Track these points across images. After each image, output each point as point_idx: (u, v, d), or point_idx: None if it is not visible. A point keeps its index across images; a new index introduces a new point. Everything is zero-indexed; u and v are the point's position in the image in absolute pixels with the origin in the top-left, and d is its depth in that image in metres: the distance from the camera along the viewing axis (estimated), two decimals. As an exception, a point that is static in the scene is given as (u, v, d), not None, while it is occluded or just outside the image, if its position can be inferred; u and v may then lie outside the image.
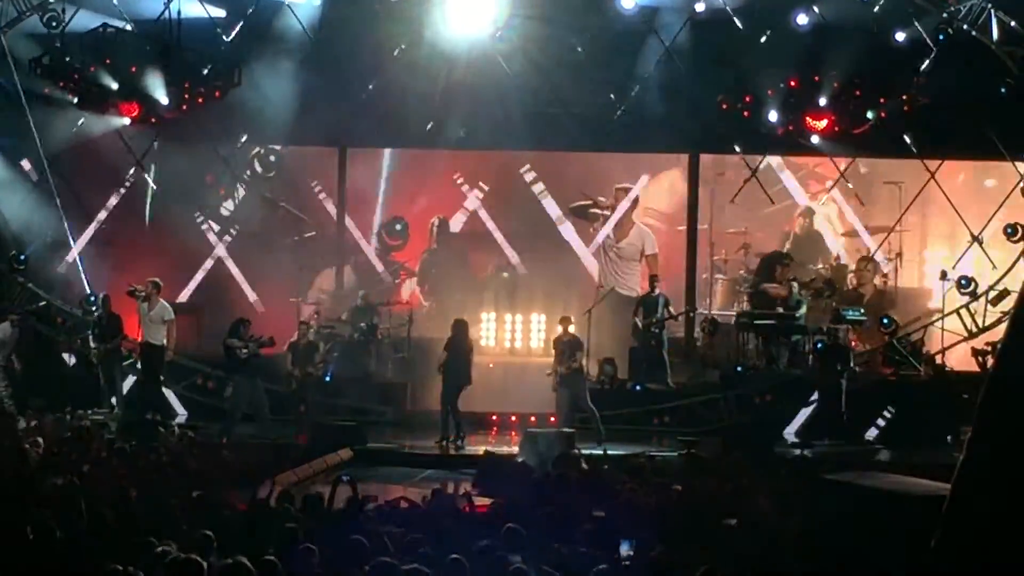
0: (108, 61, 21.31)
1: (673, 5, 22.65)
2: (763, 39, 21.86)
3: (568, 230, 25.71)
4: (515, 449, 18.78)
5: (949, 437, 19.86)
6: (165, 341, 20.68)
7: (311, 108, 22.46)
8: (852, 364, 20.92)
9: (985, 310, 22.04)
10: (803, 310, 22.42)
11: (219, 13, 22.66)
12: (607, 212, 25.68)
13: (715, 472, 15.01)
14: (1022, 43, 21.19)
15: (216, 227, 24.95)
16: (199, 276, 24.61)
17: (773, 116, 21.73)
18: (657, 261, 25.10)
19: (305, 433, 19.57)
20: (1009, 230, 22.41)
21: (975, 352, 21.49)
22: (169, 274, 22.43)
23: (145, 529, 10.22)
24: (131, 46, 21.53)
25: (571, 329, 20.64)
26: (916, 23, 21.49)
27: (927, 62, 21.38)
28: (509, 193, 25.70)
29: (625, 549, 10.23)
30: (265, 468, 15.61)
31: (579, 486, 13.75)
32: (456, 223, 26.14)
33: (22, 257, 22.27)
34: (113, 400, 20.96)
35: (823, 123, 21.66)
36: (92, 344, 21.17)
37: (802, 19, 21.77)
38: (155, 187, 23.68)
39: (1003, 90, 21.28)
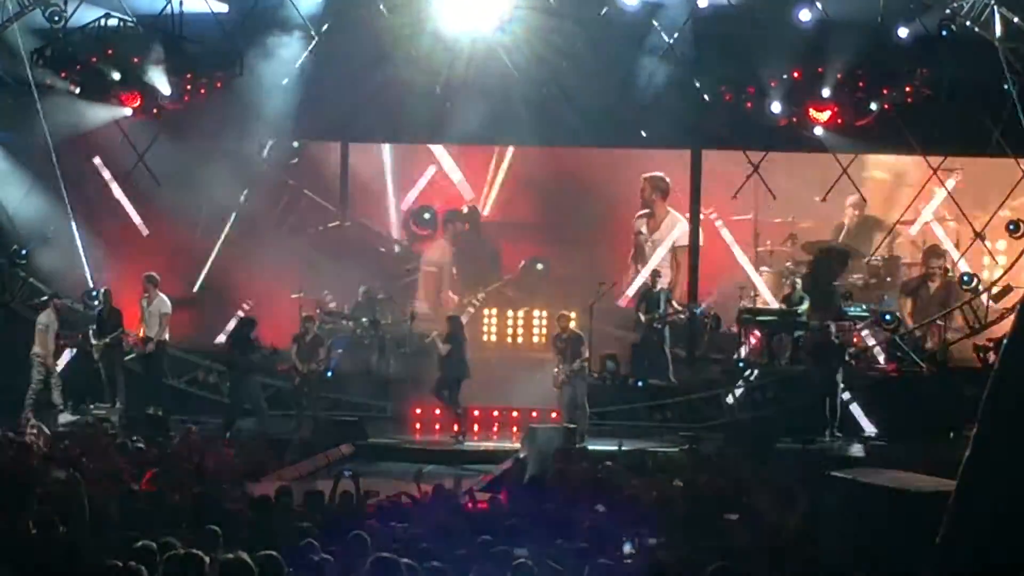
0: (110, 52, 21.27)
1: (676, 0, 22.63)
2: (766, 34, 21.78)
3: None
4: (517, 444, 18.78)
5: (952, 433, 19.84)
6: (166, 335, 20.76)
7: (313, 102, 22.43)
8: (848, 360, 20.90)
9: (987, 306, 22.02)
10: (805, 306, 22.39)
11: (221, 8, 22.63)
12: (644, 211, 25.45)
13: (717, 468, 15.00)
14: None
15: (219, 220, 24.90)
16: (203, 269, 24.55)
17: (776, 107, 21.65)
18: (685, 253, 24.51)
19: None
20: (1011, 226, 22.38)
21: (977, 348, 21.47)
22: (170, 269, 22.42)
23: (146, 524, 10.23)
24: (133, 37, 21.49)
25: (572, 326, 20.64)
26: (919, 19, 21.44)
27: (930, 57, 21.31)
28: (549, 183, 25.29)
29: (628, 548, 10.22)
30: (266, 464, 15.61)
31: (581, 482, 13.74)
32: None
33: (23, 252, 22.27)
34: (116, 395, 21.00)
35: (826, 114, 21.53)
36: (93, 339, 21.15)
37: (804, 15, 21.71)
38: (158, 182, 23.65)
39: (1006, 87, 21.21)
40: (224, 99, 22.06)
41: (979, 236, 22.87)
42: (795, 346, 22.39)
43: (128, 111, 22.00)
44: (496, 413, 21.80)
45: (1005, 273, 22.31)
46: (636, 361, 22.49)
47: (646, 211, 25.56)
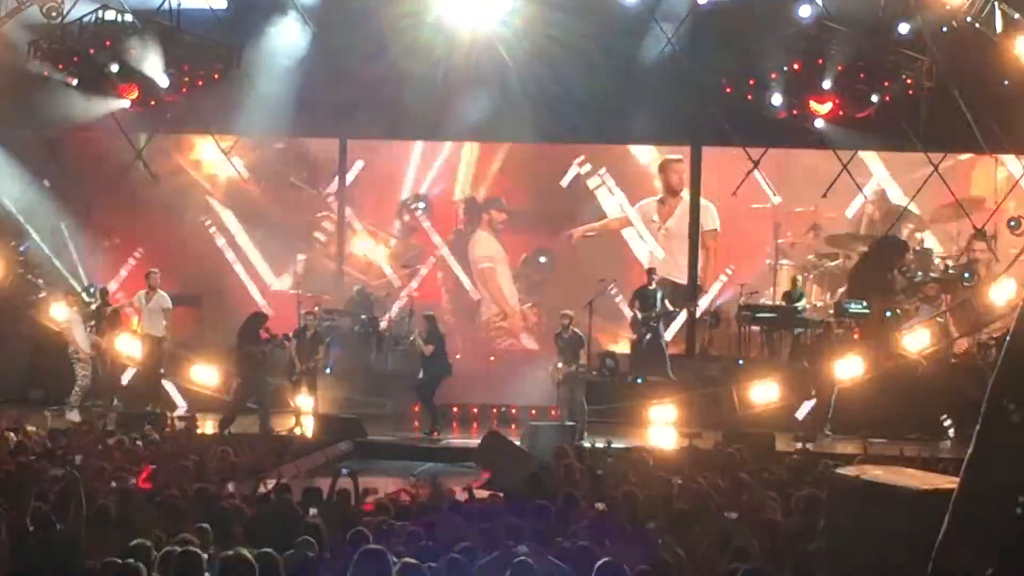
0: (107, 43, 21.23)
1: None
2: (766, 28, 21.73)
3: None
4: (516, 442, 18.76)
5: (952, 431, 19.81)
6: (165, 332, 20.77)
7: (311, 97, 22.41)
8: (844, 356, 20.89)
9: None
10: (804, 302, 22.37)
11: (220, 4, 22.62)
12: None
13: (716, 465, 14.97)
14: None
15: (218, 216, 24.89)
16: (199, 266, 24.55)
17: (777, 99, 21.59)
18: (716, 238, 24.39)
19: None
20: (1012, 223, 22.37)
21: (979, 345, 21.43)
22: (169, 265, 22.40)
23: (145, 521, 10.20)
24: (130, 29, 21.43)
25: (573, 326, 20.64)
26: (919, 15, 21.41)
27: (931, 51, 21.28)
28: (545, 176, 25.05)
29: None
30: (265, 461, 15.58)
31: (580, 479, 13.71)
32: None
33: (22, 248, 22.25)
34: (114, 392, 20.99)
35: (827, 107, 21.46)
36: (90, 336, 21.10)
37: (804, 11, 21.68)
38: (156, 179, 23.64)
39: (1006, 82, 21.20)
40: (220, 97, 22.05)
41: (979, 232, 22.84)
42: (795, 343, 22.38)
43: (126, 103, 21.95)
44: (495, 411, 21.81)
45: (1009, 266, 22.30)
46: (635, 358, 22.48)
47: (656, 198, 24.99)
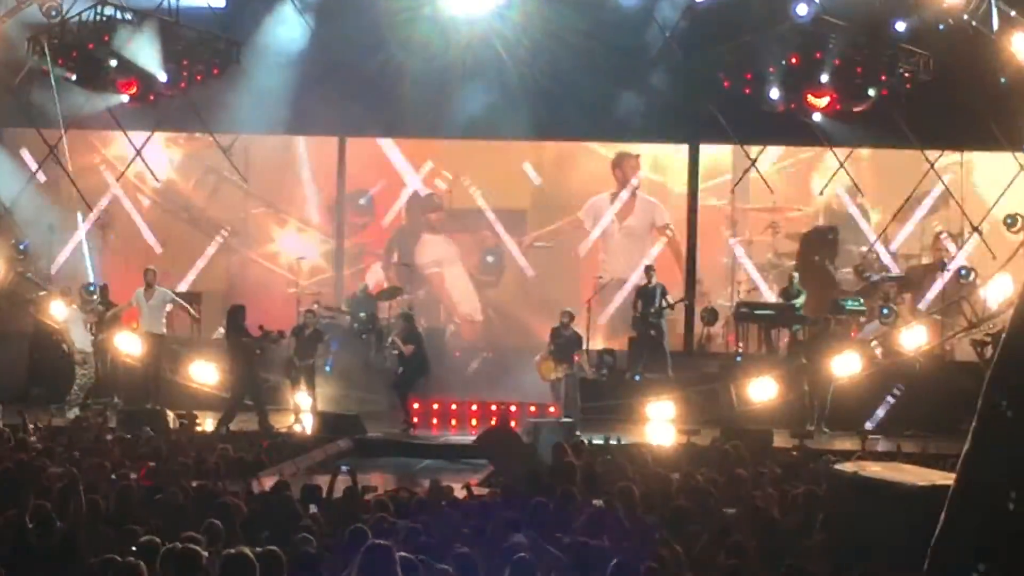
0: (106, 38, 21.24)
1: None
2: (763, 23, 21.74)
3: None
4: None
5: (949, 427, 19.82)
6: (165, 329, 20.80)
7: (309, 97, 22.42)
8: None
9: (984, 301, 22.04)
10: (801, 300, 22.40)
11: (219, 2, 22.63)
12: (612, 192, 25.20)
13: (714, 462, 15.00)
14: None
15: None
16: (199, 264, 24.57)
17: (774, 93, 21.58)
18: (671, 233, 24.56)
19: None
20: (1009, 220, 22.39)
21: (975, 343, 21.47)
22: (168, 263, 22.42)
23: (145, 518, 10.23)
24: (129, 24, 21.43)
25: (572, 324, 20.70)
26: (916, 14, 21.43)
27: (928, 46, 21.32)
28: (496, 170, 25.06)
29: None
30: (265, 458, 15.61)
31: (579, 476, 13.73)
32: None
33: (22, 247, 22.27)
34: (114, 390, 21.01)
35: (824, 100, 21.46)
36: (91, 333, 21.12)
37: (802, 9, 21.69)
38: (157, 180, 23.67)
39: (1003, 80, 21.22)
40: (218, 96, 22.06)
41: (975, 229, 22.87)
42: (793, 339, 22.42)
43: (125, 98, 21.94)
44: (494, 407, 21.83)
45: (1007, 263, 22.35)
46: (633, 356, 22.52)
47: (609, 192, 25.14)
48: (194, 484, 12.13)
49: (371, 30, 22.28)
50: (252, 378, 20.02)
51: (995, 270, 22.31)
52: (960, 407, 17.95)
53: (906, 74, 21.14)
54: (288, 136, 24.31)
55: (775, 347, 22.71)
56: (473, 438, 18.11)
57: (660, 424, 20.51)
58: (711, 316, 23.49)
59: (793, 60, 21.39)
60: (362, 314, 22.93)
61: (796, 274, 22.77)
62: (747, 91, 21.63)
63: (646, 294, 22.46)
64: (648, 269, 22.92)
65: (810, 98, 21.56)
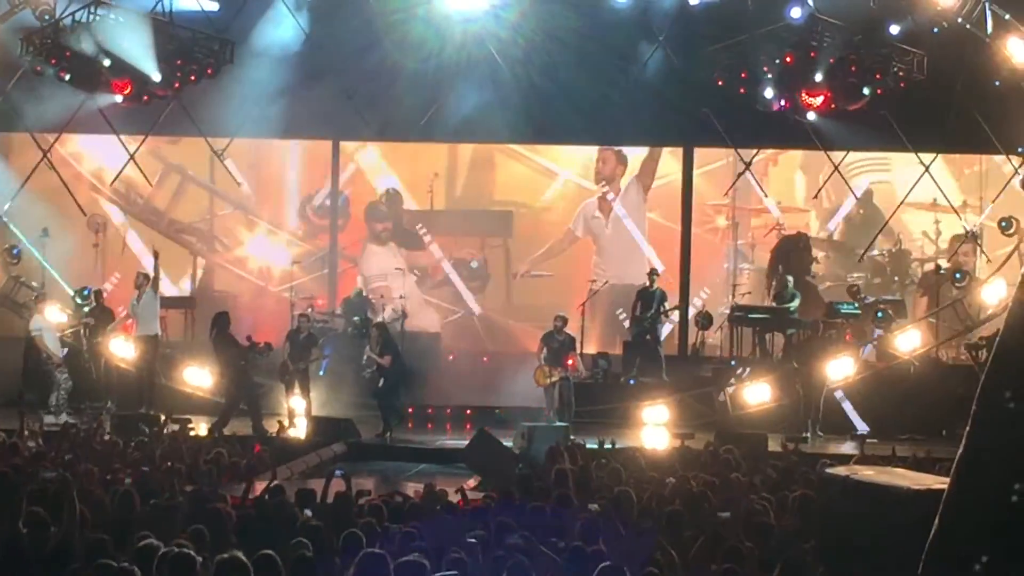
0: (99, 39, 21.18)
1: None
2: (757, 24, 21.74)
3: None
4: (509, 443, 18.77)
5: (944, 431, 19.84)
6: (159, 330, 20.78)
7: (301, 100, 22.42)
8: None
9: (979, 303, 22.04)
10: (795, 304, 22.41)
11: (212, 6, 22.62)
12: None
13: (709, 466, 14.98)
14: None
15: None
16: (193, 269, 24.55)
17: (769, 93, 21.57)
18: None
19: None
20: (1003, 223, 22.40)
21: (969, 346, 21.47)
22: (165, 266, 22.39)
23: (139, 523, 10.19)
24: (123, 24, 21.40)
25: (565, 328, 20.69)
26: (910, 16, 21.44)
27: (923, 47, 21.34)
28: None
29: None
30: (259, 462, 15.58)
31: (573, 480, 13.71)
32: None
33: (16, 251, 22.24)
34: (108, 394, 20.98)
35: (819, 99, 21.45)
36: (84, 338, 21.09)
37: (796, 12, 21.69)
38: (151, 184, 23.65)
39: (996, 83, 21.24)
40: (212, 99, 22.04)
41: (970, 234, 22.89)
42: (787, 343, 22.42)
43: (119, 98, 21.90)
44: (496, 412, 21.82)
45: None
46: (628, 359, 22.52)
47: (596, 195, 25.18)
48: (187, 489, 12.10)
49: (364, 31, 22.27)
50: (245, 382, 19.98)
51: (990, 273, 22.31)
52: (954, 410, 18.01)
53: (900, 73, 21.14)
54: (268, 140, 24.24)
55: (769, 351, 22.69)
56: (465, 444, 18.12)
57: (654, 428, 20.50)
58: (706, 320, 23.48)
59: (788, 59, 21.38)
60: (356, 317, 22.90)
61: (790, 278, 22.78)
62: (742, 91, 21.62)
63: (647, 297, 22.45)
64: (651, 273, 22.91)
65: (805, 97, 21.56)
